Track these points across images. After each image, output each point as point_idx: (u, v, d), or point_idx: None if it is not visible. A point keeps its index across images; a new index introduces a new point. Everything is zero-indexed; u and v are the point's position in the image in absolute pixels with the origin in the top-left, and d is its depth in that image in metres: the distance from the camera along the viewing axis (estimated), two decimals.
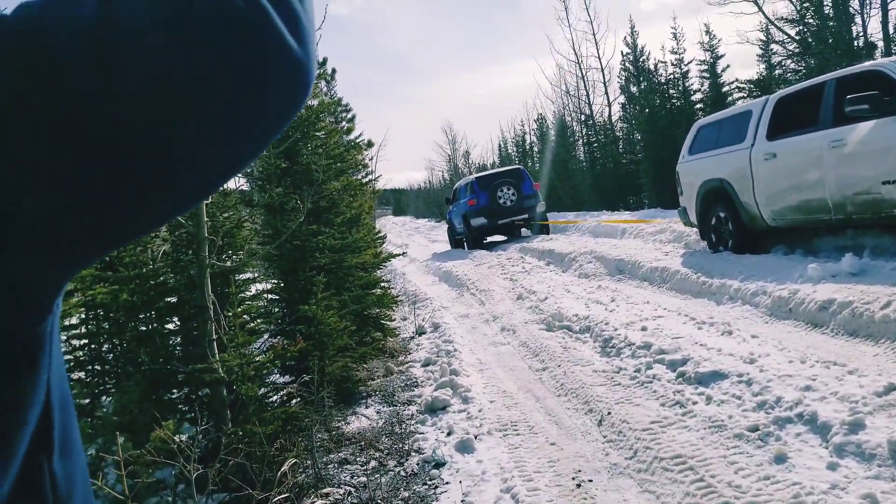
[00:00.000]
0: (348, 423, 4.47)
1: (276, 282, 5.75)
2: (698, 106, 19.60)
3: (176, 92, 0.39)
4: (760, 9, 18.34)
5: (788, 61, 18.27)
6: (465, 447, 3.74)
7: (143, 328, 4.13)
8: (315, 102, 6.68)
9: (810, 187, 6.07)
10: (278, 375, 4.90)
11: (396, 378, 5.58)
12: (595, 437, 3.64)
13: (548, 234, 15.04)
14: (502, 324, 6.90)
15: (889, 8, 15.18)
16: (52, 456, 0.44)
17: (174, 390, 3.87)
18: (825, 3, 16.86)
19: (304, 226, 5.38)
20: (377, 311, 6.76)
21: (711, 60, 19.48)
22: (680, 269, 6.95)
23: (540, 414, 4.15)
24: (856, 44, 16.01)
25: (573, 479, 3.19)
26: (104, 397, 4.07)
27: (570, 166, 27.55)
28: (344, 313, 5.27)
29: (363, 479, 3.53)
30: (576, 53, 27.65)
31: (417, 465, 3.65)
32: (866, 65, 6.03)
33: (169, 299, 4.23)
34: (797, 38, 17.59)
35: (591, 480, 3.16)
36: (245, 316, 4.27)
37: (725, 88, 19.27)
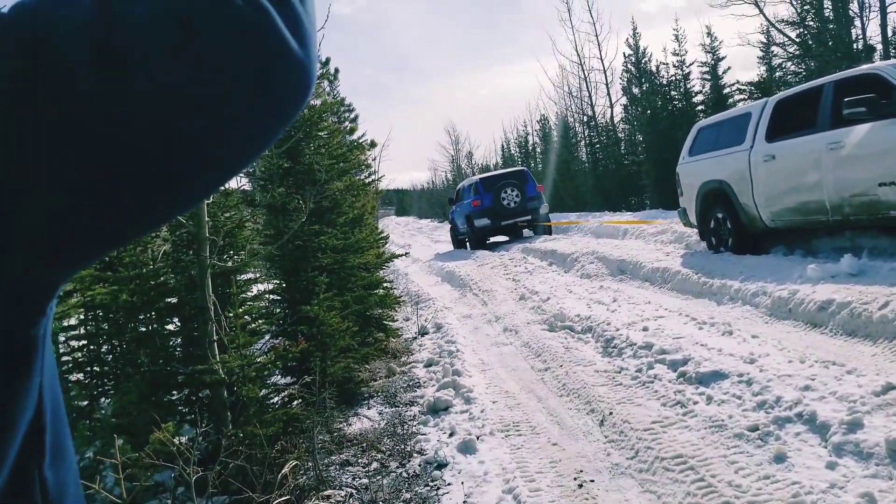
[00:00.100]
0: (350, 425, 4.48)
1: (277, 282, 5.75)
2: (700, 108, 19.60)
3: (176, 92, 0.38)
4: (761, 11, 18.36)
5: (789, 63, 18.30)
6: (467, 448, 3.75)
7: (143, 329, 4.13)
8: (318, 102, 6.70)
9: (808, 189, 6.11)
10: (279, 376, 4.91)
11: (399, 379, 5.59)
12: (597, 438, 3.65)
13: (550, 234, 15.05)
14: (505, 324, 6.91)
15: (887, 11, 15.20)
16: (43, 462, 0.44)
17: (174, 392, 3.87)
18: (825, 6, 16.88)
19: (306, 226, 5.39)
20: (380, 311, 6.77)
21: (713, 62, 19.49)
22: (681, 270, 6.96)
23: (542, 414, 4.15)
24: (855, 46, 16.03)
25: (575, 479, 3.19)
26: (103, 399, 4.06)
27: (573, 167, 27.57)
28: (346, 314, 5.28)
29: (365, 480, 3.53)
30: (578, 54, 27.66)
31: (419, 466, 3.66)
32: (864, 68, 6.07)
33: (169, 300, 4.23)
34: (797, 40, 17.60)
35: (592, 481, 3.16)
36: (246, 317, 4.28)
37: (726, 90, 19.29)
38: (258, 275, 5.84)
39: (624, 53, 24.14)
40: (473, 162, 46.56)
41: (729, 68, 19.38)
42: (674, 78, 20.97)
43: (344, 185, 6.59)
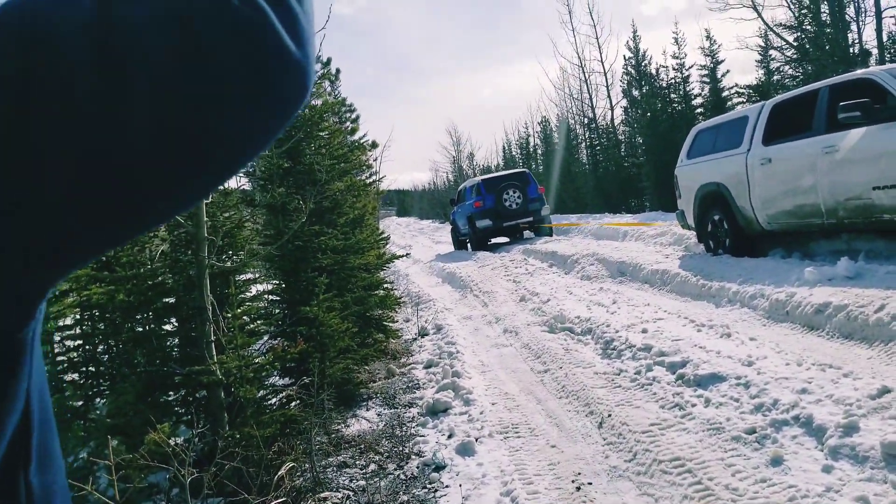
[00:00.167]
0: (348, 426, 4.48)
1: (277, 283, 5.76)
2: (699, 110, 19.65)
3: (175, 93, 0.39)
4: (760, 15, 18.43)
5: (786, 67, 18.37)
6: (465, 450, 3.75)
7: (140, 329, 4.13)
8: (319, 102, 6.70)
9: (804, 192, 6.16)
10: (278, 377, 4.91)
11: (398, 380, 5.59)
12: (595, 440, 3.65)
13: (551, 236, 15.08)
14: (505, 325, 6.91)
15: (883, 16, 15.25)
16: (29, 468, 0.43)
17: (170, 392, 3.86)
18: (822, 11, 16.93)
19: (306, 226, 5.39)
20: (380, 312, 6.78)
21: (712, 65, 19.54)
22: (680, 272, 6.97)
23: (541, 416, 4.16)
24: (851, 51, 16.08)
25: (573, 481, 3.20)
26: (98, 399, 4.05)
27: (574, 169, 27.62)
28: (346, 315, 5.28)
29: (362, 482, 3.53)
30: (579, 57, 27.81)
31: (417, 468, 3.66)
32: (858, 73, 6.10)
33: (167, 300, 4.22)
34: (795, 44, 17.67)
35: (590, 483, 3.17)
36: (245, 317, 4.28)
37: (725, 93, 19.34)
38: (257, 275, 5.84)
39: (624, 56, 24.19)
40: (475, 163, 46.58)
41: (728, 71, 19.57)
42: (673, 81, 21.02)
43: (345, 185, 6.59)
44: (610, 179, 24.04)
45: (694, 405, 3.70)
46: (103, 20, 0.38)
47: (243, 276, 5.14)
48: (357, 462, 3.82)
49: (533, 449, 3.66)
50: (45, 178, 0.37)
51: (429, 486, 3.42)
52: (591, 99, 27.14)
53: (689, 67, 20.33)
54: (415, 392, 5.16)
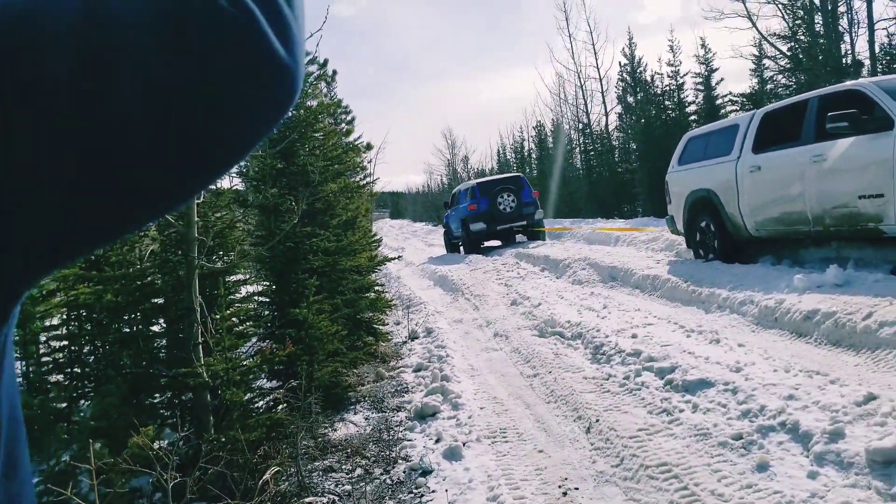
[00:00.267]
0: (335, 430, 4.45)
1: (267, 284, 5.74)
2: (693, 118, 19.77)
3: (161, 94, 0.38)
4: (754, 25, 18.60)
5: (780, 76, 18.52)
6: (452, 454, 3.73)
7: (127, 330, 4.10)
8: (314, 104, 6.69)
9: (792, 200, 6.25)
10: (265, 380, 4.88)
11: (387, 383, 5.57)
12: (583, 445, 3.64)
13: (544, 240, 15.13)
14: (495, 329, 6.91)
15: (875, 28, 15.40)
16: None
17: (156, 395, 3.83)
18: (816, 21, 17.08)
19: (298, 227, 5.38)
20: (370, 315, 6.76)
21: (706, 73, 19.68)
22: (671, 278, 6.98)
23: (529, 421, 4.15)
24: (844, 61, 16.23)
25: (560, 487, 3.19)
26: (83, 401, 4.01)
27: (567, 174, 27.70)
28: (336, 317, 5.26)
29: (348, 487, 3.51)
30: (575, 62, 27.95)
31: (404, 472, 3.64)
32: (847, 84, 6.20)
33: (156, 300, 4.20)
34: (789, 54, 17.82)
35: (577, 488, 3.16)
36: (234, 319, 4.26)
37: (719, 101, 19.48)
38: (248, 276, 5.82)
39: (620, 63, 24.37)
40: (469, 166, 46.69)
41: (722, 80, 19.75)
42: (668, 88, 21.15)
43: (338, 186, 6.58)
44: (603, 185, 24.13)
45: (682, 411, 3.70)
46: (91, 20, 0.38)
47: (234, 277, 5.12)
48: (343, 466, 3.80)
49: (520, 454, 3.65)
50: (30, 179, 0.37)
51: (415, 490, 3.40)
52: (586, 104, 27.29)
53: (684, 75, 20.48)
54: (403, 396, 5.14)
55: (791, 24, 17.77)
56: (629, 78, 23.49)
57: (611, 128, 26.04)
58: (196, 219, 3.87)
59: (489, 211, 14.96)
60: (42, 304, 3.92)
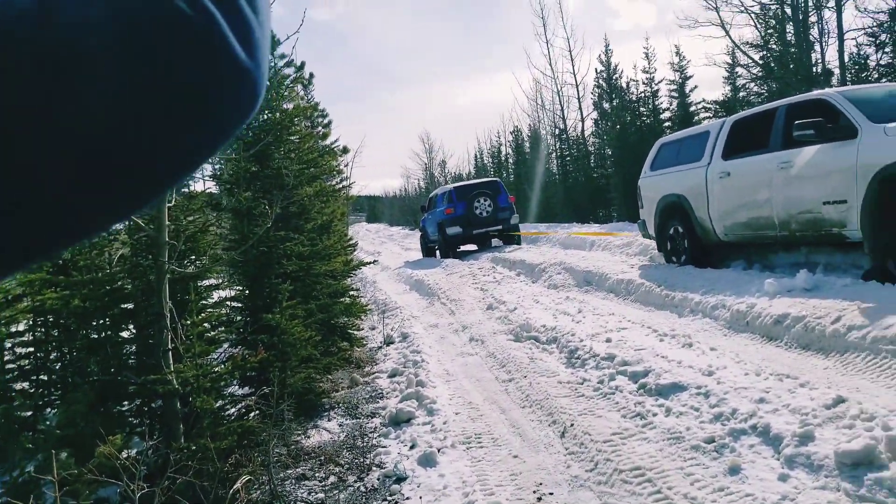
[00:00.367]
0: (308, 437, 4.40)
1: (240, 289, 5.66)
2: (667, 124, 20.07)
3: (117, 98, 0.37)
4: (728, 33, 18.95)
5: (752, 84, 18.89)
6: (427, 461, 3.71)
7: (95, 336, 4.00)
8: (290, 106, 6.64)
9: (759, 205, 6.41)
10: (237, 387, 4.80)
11: (361, 389, 5.53)
12: (557, 450, 3.64)
13: (519, 244, 15.22)
14: (471, 334, 6.90)
15: (845, 38, 15.77)
16: None
17: (125, 402, 3.74)
18: (788, 31, 17.45)
19: (271, 232, 5.32)
20: (345, 320, 6.71)
21: (680, 81, 19.99)
22: (644, 282, 7.05)
23: (504, 426, 4.14)
24: (815, 70, 16.59)
25: (534, 492, 3.18)
26: (48, 409, 3.90)
27: (544, 179, 27.88)
28: (310, 322, 5.20)
29: (321, 495, 3.46)
30: (552, 68, 28.09)
31: (378, 480, 3.60)
32: (814, 94, 6.37)
33: (125, 306, 4.11)
34: (761, 62, 18.18)
35: (551, 493, 3.16)
36: (205, 324, 4.18)
37: (693, 108, 19.81)
38: (221, 281, 5.73)
39: (596, 69, 24.58)
40: (447, 170, 46.72)
41: (696, 87, 20.10)
42: (643, 94, 21.43)
43: (313, 190, 6.53)
44: (579, 190, 24.34)
45: (655, 414, 3.72)
46: (43, 21, 0.36)
47: (206, 282, 5.03)
48: (316, 474, 3.75)
49: (495, 459, 3.64)
50: None
51: (389, 498, 3.37)
52: (562, 110, 27.52)
53: (659, 82, 20.79)
54: (378, 402, 5.10)
55: (763, 34, 18.15)
56: (605, 84, 23.77)
57: (587, 133, 26.31)
58: (167, 222, 3.80)
59: (465, 215, 15.05)
60: (7, 309, 3.81)
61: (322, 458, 3.94)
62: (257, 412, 4.02)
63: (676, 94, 20.26)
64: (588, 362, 4.91)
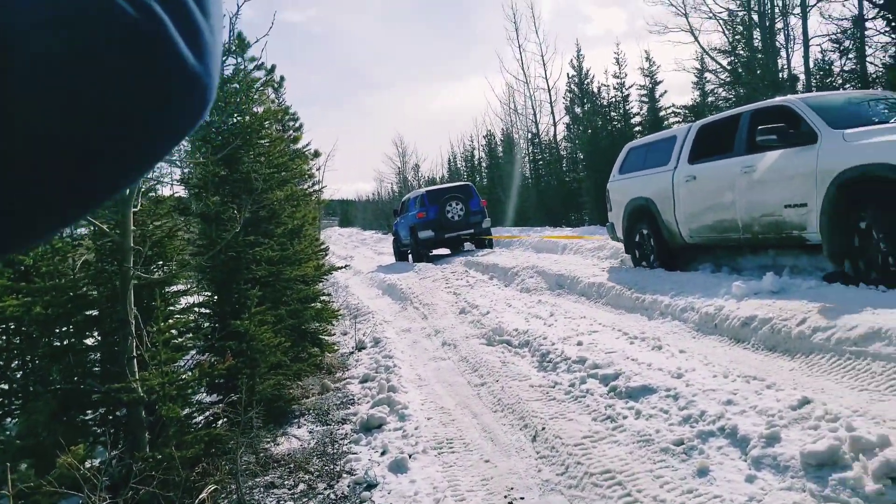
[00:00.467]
0: (278, 445, 4.33)
1: (209, 294, 5.56)
2: (637, 129, 20.33)
3: (56, 102, 0.36)
4: (696, 39, 19.30)
5: (720, 90, 19.24)
6: (398, 467, 3.68)
7: (58, 343, 3.90)
8: (260, 109, 6.56)
9: (724, 208, 6.56)
10: (205, 394, 4.72)
11: (332, 396, 5.47)
12: (529, 454, 3.65)
13: (492, 248, 15.28)
14: (444, 338, 6.88)
15: (810, 44, 16.15)
16: None
17: (88, 411, 3.65)
18: (755, 37, 17.84)
19: (240, 236, 5.24)
20: (316, 325, 6.64)
21: (650, 86, 20.28)
22: (615, 285, 7.12)
23: (476, 430, 4.13)
24: (781, 76, 16.97)
25: (505, 497, 3.18)
26: (8, 419, 3.80)
27: (517, 183, 28.01)
28: (279, 328, 5.13)
29: (290, 503, 3.42)
30: (524, 73, 28.26)
31: (348, 487, 3.56)
32: (777, 100, 6.54)
33: (89, 312, 4.01)
34: (729, 68, 18.53)
35: (522, 498, 3.15)
36: (172, 331, 4.10)
37: (663, 113, 20.11)
38: (189, 286, 5.63)
39: (568, 74, 24.90)
40: (420, 174, 46.67)
41: (665, 92, 20.38)
42: (614, 99, 21.69)
43: (284, 194, 6.46)
44: (551, 193, 24.50)
45: (625, 417, 3.74)
46: None
47: (174, 288, 4.94)
48: (286, 482, 3.69)
49: (467, 464, 3.63)
50: None
51: None
52: (535, 115, 27.67)
53: (629, 87, 21.05)
54: (349, 408, 5.06)
55: (731, 40, 18.51)
56: (577, 89, 23.99)
57: (559, 138, 26.50)
58: (132, 227, 3.72)
59: (437, 219, 15.10)
60: None
61: (292, 465, 3.89)
62: (225, 420, 3.95)
63: (647, 99, 20.55)
64: (559, 366, 4.93)
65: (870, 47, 14.23)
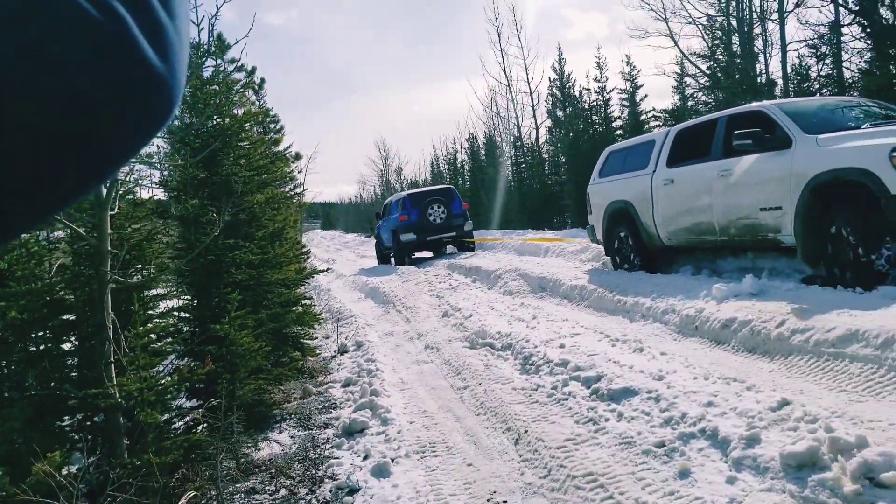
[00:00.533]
0: (259, 450, 4.28)
1: (188, 298, 5.50)
2: (618, 132, 20.53)
3: (15, 102, 0.35)
4: (676, 44, 19.57)
5: (700, 94, 19.51)
6: (381, 471, 3.66)
7: (34, 349, 3.83)
8: (240, 111, 6.50)
9: (701, 211, 6.69)
10: (185, 399, 4.66)
11: (314, 400, 5.43)
12: (511, 457, 3.64)
13: (473, 251, 15.30)
14: (427, 341, 6.86)
15: (788, 50, 16.42)
16: None
17: (65, 417, 3.58)
18: (734, 42, 18.10)
19: (220, 240, 5.19)
20: (297, 329, 6.59)
21: (631, 90, 20.51)
22: (597, 288, 7.15)
23: (459, 434, 4.12)
24: (759, 80, 17.24)
25: (488, 500, 3.17)
26: None
27: (500, 185, 28.12)
28: (260, 332, 5.08)
29: None
30: (507, 77, 28.39)
31: (330, 492, 3.53)
32: (753, 105, 6.67)
33: (66, 317, 3.94)
34: (708, 72, 18.79)
35: (505, 501, 3.15)
36: (150, 335, 4.04)
37: (643, 116, 20.34)
38: (168, 291, 5.56)
39: (549, 78, 24.97)
40: (403, 177, 46.71)
41: (646, 96, 20.74)
42: (595, 103, 21.87)
43: (264, 197, 6.40)
44: (533, 196, 24.63)
45: (607, 419, 3.76)
46: None
47: (152, 292, 4.87)
48: (267, 488, 3.65)
49: (449, 468, 3.61)
50: None
51: None
52: (517, 118, 27.86)
53: (611, 91, 21.26)
54: (331, 412, 5.02)
55: (710, 44, 18.79)
56: (559, 93, 24.17)
57: (541, 141, 26.68)
58: (110, 231, 3.66)
59: (419, 222, 15.13)
60: None
61: (273, 470, 3.85)
62: (205, 425, 3.90)
63: (627, 103, 20.78)
64: (542, 368, 4.94)
65: (846, 53, 14.52)
